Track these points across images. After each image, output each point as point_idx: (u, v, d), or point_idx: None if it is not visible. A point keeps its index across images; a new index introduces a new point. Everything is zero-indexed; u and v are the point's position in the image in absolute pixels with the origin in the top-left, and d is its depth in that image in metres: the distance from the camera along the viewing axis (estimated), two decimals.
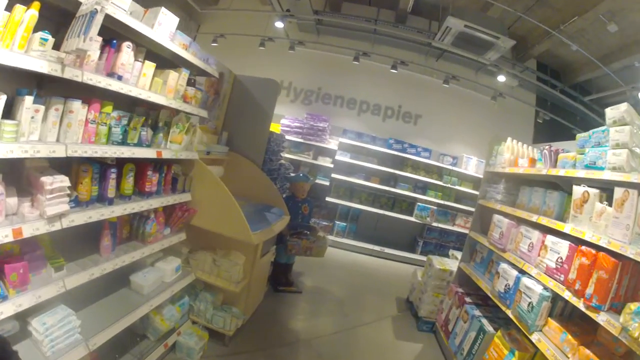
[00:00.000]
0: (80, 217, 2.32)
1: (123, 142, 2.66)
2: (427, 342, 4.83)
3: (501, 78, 8.76)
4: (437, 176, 8.96)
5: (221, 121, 4.86)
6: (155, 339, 3.28)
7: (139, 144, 2.81)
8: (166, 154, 3.06)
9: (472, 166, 8.83)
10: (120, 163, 2.76)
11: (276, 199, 4.88)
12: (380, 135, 9.11)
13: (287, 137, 8.45)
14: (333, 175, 8.86)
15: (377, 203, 9.11)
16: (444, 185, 8.86)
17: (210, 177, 3.61)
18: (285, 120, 8.90)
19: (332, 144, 8.99)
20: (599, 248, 2.53)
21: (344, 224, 9.05)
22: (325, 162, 8.92)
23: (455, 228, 8.99)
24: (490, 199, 4.55)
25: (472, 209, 8.66)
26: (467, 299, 4.29)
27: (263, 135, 4.94)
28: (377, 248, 8.72)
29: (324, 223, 8.91)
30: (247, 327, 4.13)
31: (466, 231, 8.64)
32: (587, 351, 2.49)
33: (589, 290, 2.47)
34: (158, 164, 3.13)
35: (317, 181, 8.67)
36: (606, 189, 2.72)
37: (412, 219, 8.85)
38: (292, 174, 6.13)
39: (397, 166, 8.93)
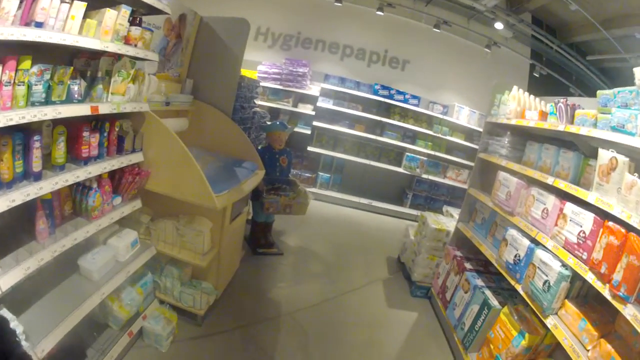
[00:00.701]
0: (2, 203, 1.84)
1: (47, 101, 2.07)
2: (422, 310, 4.50)
3: (498, 25, 7.98)
4: (426, 125, 8.39)
5: (185, 68, 4.19)
6: (119, 328, 2.85)
7: (68, 100, 2.19)
8: (104, 109, 2.43)
9: (464, 116, 8.29)
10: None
11: (249, 152, 4.31)
12: (365, 80, 8.42)
13: (265, 84, 7.80)
14: (315, 123, 8.25)
15: (363, 153, 8.57)
16: (434, 134, 8.32)
17: (164, 131, 2.99)
18: (262, 67, 8.11)
19: (313, 90, 8.26)
20: (628, 227, 2.11)
21: (328, 175, 8.58)
22: (306, 109, 8.26)
23: (446, 181, 8.55)
24: (493, 153, 4.06)
25: (465, 162, 8.38)
26: (467, 265, 3.91)
27: (232, 80, 4.29)
28: (363, 201, 8.33)
29: (307, 175, 8.43)
30: (222, 301, 3.74)
31: (458, 184, 8.44)
32: (609, 346, 2.16)
33: (617, 276, 2.08)
34: (99, 122, 2.51)
35: (297, 130, 8.00)
36: (636, 159, 2.26)
37: (401, 169, 8.40)
38: (269, 123, 5.52)
39: (384, 113, 8.34)
